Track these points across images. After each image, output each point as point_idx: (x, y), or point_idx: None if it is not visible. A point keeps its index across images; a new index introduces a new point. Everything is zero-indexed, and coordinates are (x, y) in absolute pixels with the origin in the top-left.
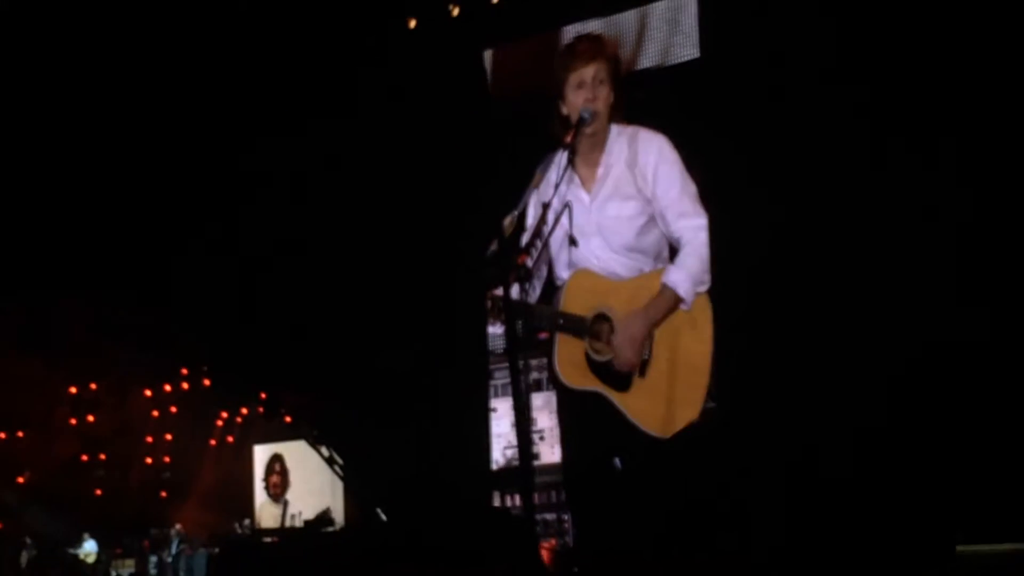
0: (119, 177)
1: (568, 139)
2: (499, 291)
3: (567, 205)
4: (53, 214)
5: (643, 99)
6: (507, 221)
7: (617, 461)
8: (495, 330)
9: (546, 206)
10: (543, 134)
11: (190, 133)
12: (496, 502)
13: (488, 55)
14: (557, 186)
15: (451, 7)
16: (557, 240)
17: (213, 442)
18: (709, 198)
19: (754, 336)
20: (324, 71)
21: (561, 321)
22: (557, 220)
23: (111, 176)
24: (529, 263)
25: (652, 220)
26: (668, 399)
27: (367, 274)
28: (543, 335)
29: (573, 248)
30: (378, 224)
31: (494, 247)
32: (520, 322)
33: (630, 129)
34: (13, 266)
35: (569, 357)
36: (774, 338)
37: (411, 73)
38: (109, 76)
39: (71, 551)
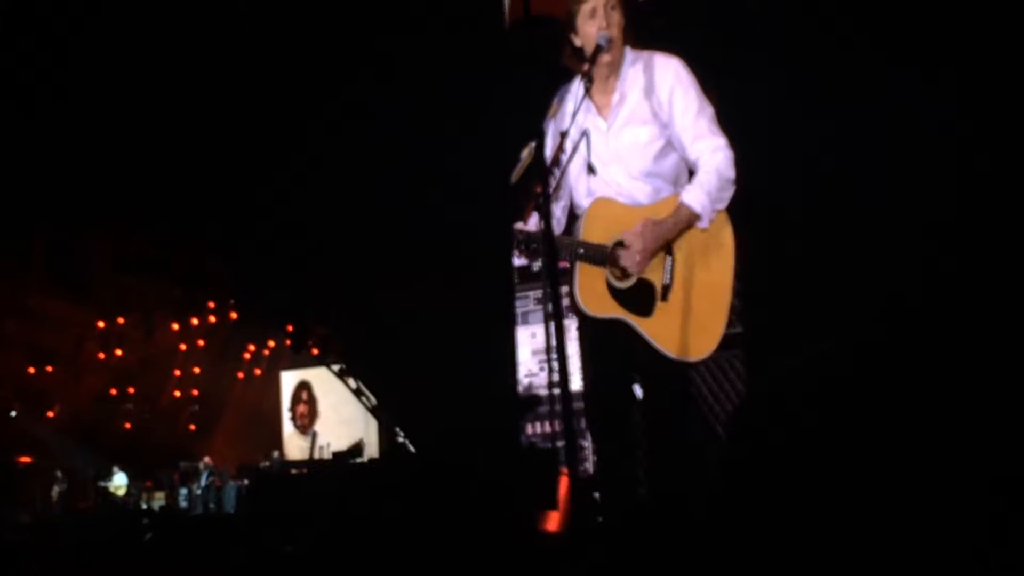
0: (144, 107)
1: (585, 68)
2: (522, 224)
3: (584, 133)
4: (76, 145)
5: (662, 24)
6: (525, 151)
7: (637, 388)
8: (519, 261)
9: (563, 135)
10: (557, 65)
11: (223, 66)
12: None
13: None
14: (574, 115)
15: None
16: (575, 169)
17: (241, 374)
18: (731, 117)
19: (781, 257)
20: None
21: (581, 251)
22: (575, 149)
23: (135, 106)
24: (549, 192)
25: (669, 144)
26: (690, 322)
27: (392, 203)
28: (564, 264)
29: (592, 176)
30: (401, 153)
31: (515, 177)
32: (541, 256)
33: (645, 54)
34: (36, 200)
35: (590, 285)
36: (802, 260)
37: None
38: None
39: (101, 484)
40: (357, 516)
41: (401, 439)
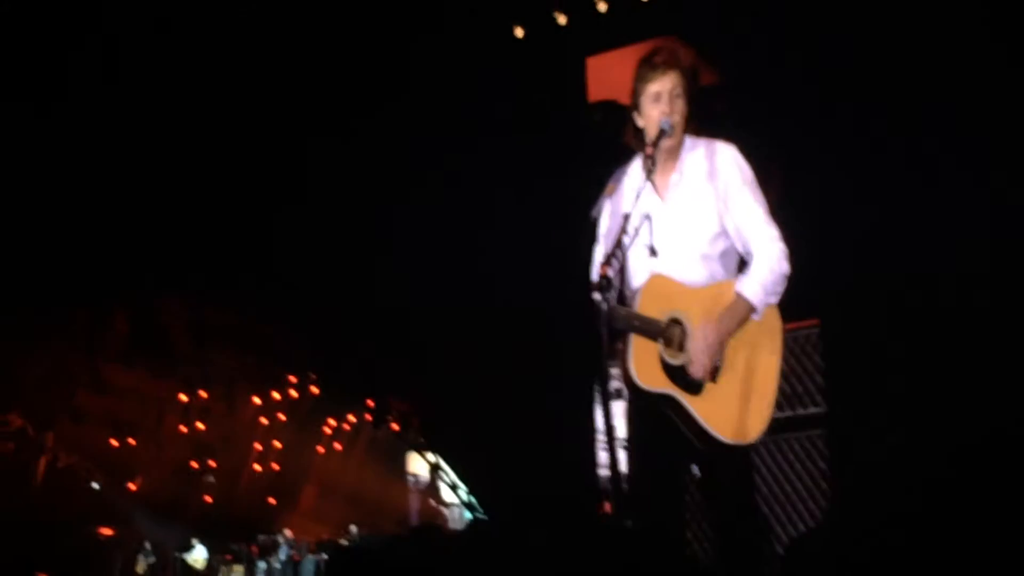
0: (226, 177)
1: (649, 151)
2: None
3: (647, 216)
4: (159, 216)
5: (723, 111)
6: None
7: (695, 468)
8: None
9: (626, 216)
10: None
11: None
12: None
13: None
14: (638, 196)
15: (557, 15)
16: (636, 250)
17: (321, 449)
18: (787, 207)
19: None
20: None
21: (637, 323)
22: (638, 231)
23: (218, 176)
24: (611, 273)
25: (724, 231)
26: (739, 404)
27: (470, 279)
28: (620, 346)
29: (652, 258)
30: (486, 226)
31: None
32: (604, 329)
33: (703, 140)
34: (117, 270)
35: (643, 358)
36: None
37: (517, 80)
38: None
39: (180, 556)
40: None
41: (481, 515)
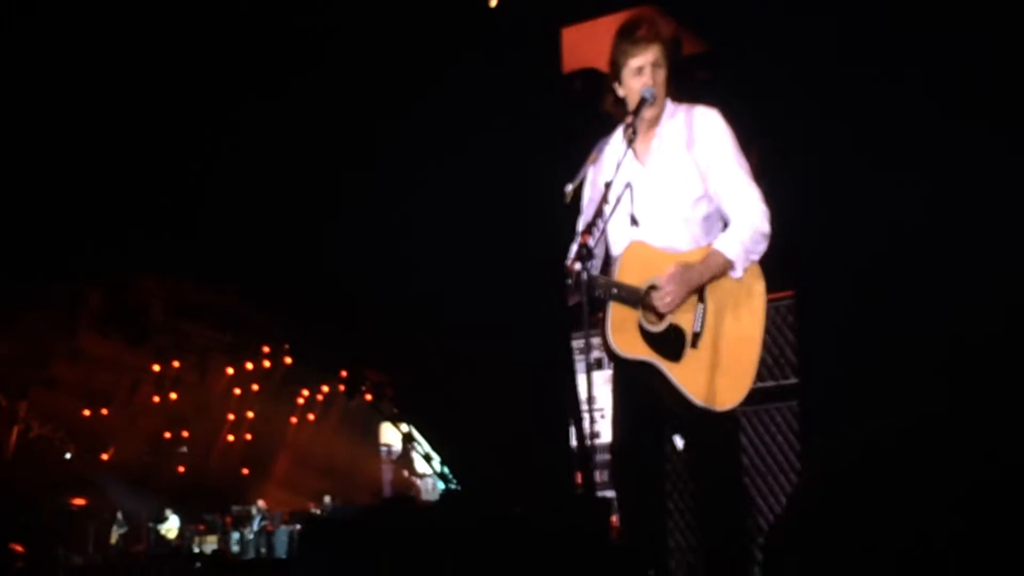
0: (201, 154)
1: (629, 120)
2: (570, 262)
3: (628, 185)
4: (137, 191)
5: (709, 79)
6: (567, 191)
7: (677, 439)
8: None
9: (607, 185)
10: (601, 113)
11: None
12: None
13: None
14: (619, 166)
15: None
16: (617, 219)
17: (294, 419)
18: (763, 178)
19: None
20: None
21: (615, 290)
22: (619, 200)
23: (192, 153)
24: (591, 242)
25: (706, 195)
26: (718, 371)
27: (445, 250)
28: (600, 315)
29: (634, 227)
30: (451, 200)
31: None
32: (584, 298)
33: (684, 106)
34: (94, 243)
35: (621, 326)
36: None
37: (488, 50)
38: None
39: (154, 526)
40: (412, 565)
41: (454, 486)
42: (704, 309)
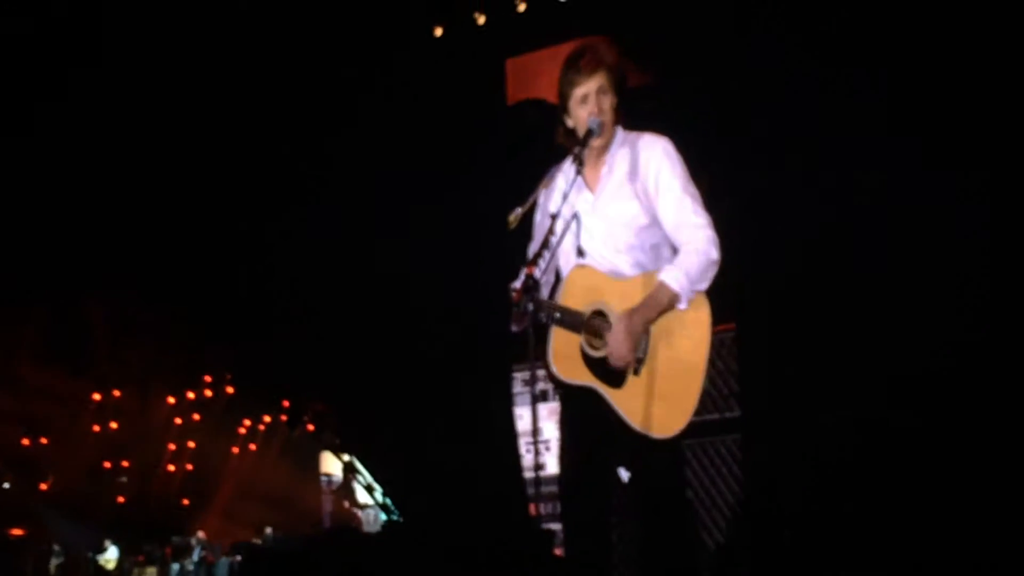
0: (143, 178)
1: (576, 151)
2: (516, 284)
3: (576, 216)
4: (80, 215)
5: (652, 109)
6: (512, 216)
7: (622, 472)
8: (513, 327)
9: (554, 217)
10: (550, 143)
11: (224, 132)
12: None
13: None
14: (566, 196)
15: (477, 15)
16: (564, 249)
17: (235, 449)
18: (722, 200)
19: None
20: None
21: (558, 315)
22: (566, 230)
23: (135, 177)
24: (537, 273)
25: (655, 222)
26: (661, 398)
27: (388, 279)
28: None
29: (580, 258)
30: (398, 231)
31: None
32: (530, 329)
33: (633, 135)
34: (35, 269)
35: (564, 350)
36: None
37: (433, 80)
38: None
39: (93, 557)
40: None
41: (396, 517)
42: (648, 337)
